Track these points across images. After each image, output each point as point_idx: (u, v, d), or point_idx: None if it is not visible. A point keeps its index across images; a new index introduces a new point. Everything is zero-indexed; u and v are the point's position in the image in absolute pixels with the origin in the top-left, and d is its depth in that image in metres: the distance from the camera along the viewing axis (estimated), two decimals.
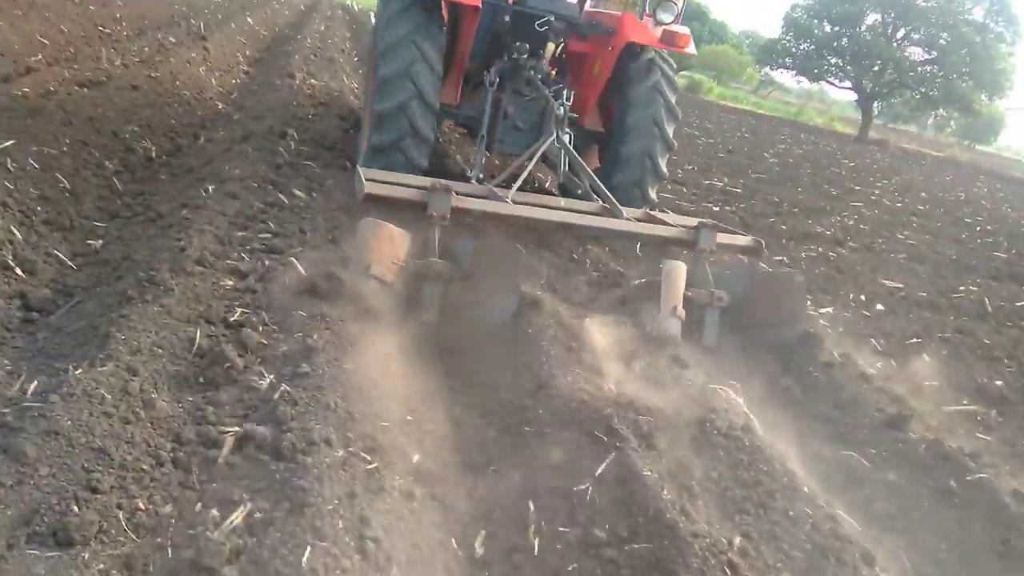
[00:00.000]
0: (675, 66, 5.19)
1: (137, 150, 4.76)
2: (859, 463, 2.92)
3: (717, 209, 7.49)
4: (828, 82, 47.11)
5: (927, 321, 5.47)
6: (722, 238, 4.16)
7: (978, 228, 11.06)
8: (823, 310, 4.93)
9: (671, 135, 5.09)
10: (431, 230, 3.42)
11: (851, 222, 8.97)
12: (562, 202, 4.48)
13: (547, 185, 5.83)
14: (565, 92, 4.39)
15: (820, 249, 6.99)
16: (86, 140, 4.37)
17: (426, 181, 3.80)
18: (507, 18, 4.88)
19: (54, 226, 3.41)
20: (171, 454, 1.90)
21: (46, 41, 7.23)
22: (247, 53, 10.41)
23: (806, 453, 2.91)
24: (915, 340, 4.90)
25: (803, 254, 6.55)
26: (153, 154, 4.89)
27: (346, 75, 9.44)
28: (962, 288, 6.69)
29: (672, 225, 4.32)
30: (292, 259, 3.14)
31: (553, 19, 4.91)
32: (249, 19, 13.47)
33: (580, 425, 2.44)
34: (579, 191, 4.63)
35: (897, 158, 29.60)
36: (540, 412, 2.56)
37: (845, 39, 41.72)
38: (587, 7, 5.48)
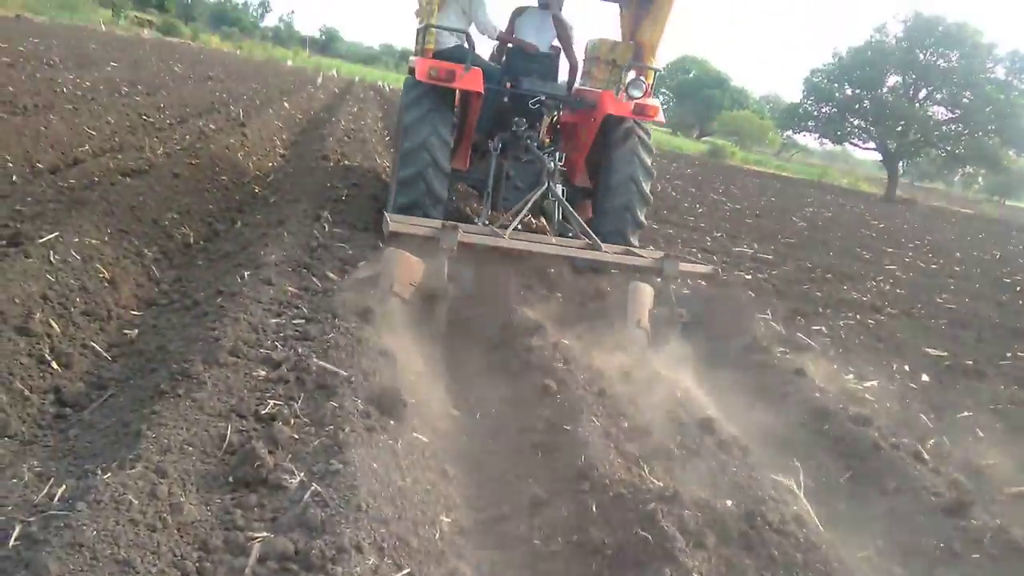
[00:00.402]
0: (650, 132, 6.00)
1: (176, 237, 4.88)
2: (921, 554, 2.74)
3: (749, 277, 7.40)
4: (852, 143, 47.33)
5: (977, 391, 5.24)
6: (684, 267, 4.99)
7: (1018, 288, 10.76)
8: (867, 383, 4.75)
9: (648, 191, 5.87)
10: (441, 260, 4.17)
11: (887, 287, 8.78)
12: (552, 239, 5.35)
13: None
14: (557, 155, 5.40)
15: (858, 317, 6.82)
16: (127, 229, 4.49)
17: (438, 222, 4.62)
18: (506, 99, 5.92)
19: (92, 317, 3.46)
20: (197, 564, 1.83)
21: (93, 132, 7.59)
22: (284, 137, 10.80)
23: (862, 543, 2.75)
24: (966, 413, 4.69)
25: (841, 323, 6.39)
26: (191, 240, 5.01)
27: (378, 155, 9.69)
28: (1009, 354, 6.44)
29: (643, 256, 5.11)
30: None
31: (545, 98, 5.84)
32: (286, 104, 14.04)
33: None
34: (570, 233, 5.52)
35: (927, 217, 29.27)
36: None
37: (867, 101, 42.02)
38: (576, 86, 6.44)
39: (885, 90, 40.79)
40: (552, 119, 6.33)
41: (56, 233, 3.88)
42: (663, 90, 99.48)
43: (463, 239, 4.30)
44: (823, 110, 43.54)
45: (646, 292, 4.54)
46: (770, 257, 8.90)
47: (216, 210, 5.93)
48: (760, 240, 10.31)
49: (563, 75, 6.32)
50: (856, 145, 46.82)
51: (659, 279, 4.73)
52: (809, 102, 44.10)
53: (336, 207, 6.14)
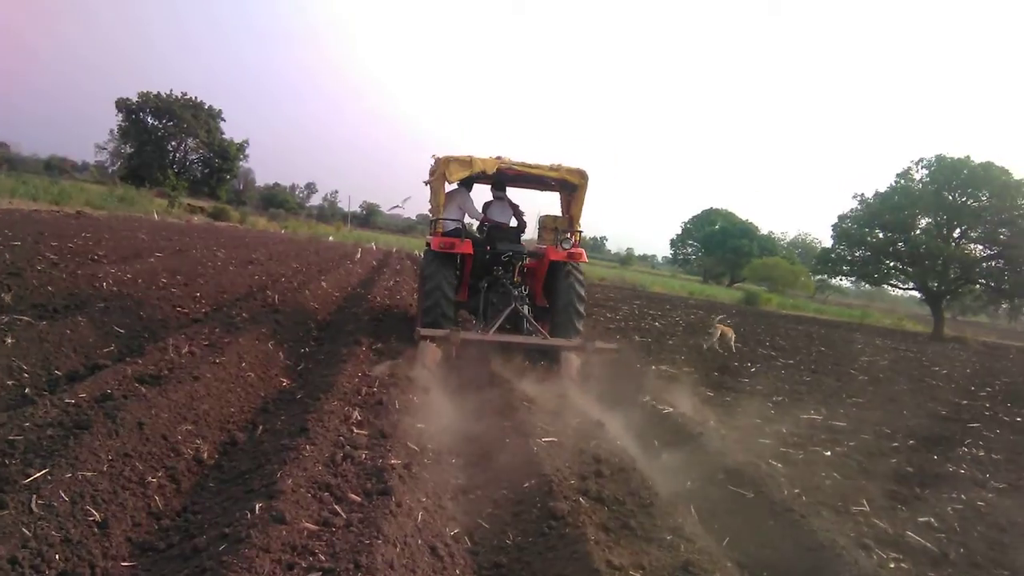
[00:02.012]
0: (582, 269, 9.06)
1: (186, 454, 4.38)
2: None
3: (829, 454, 6.56)
4: (891, 285, 46.73)
5: None
6: (599, 345, 8.22)
7: None
8: None
9: (582, 309, 8.96)
10: (451, 349, 7.70)
11: (981, 452, 7.80)
12: (518, 337, 8.43)
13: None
14: (523, 288, 8.90)
15: (964, 497, 5.88)
16: (131, 451, 4.01)
17: (447, 330, 7.81)
18: (487, 256, 9.15)
19: None
20: None
21: (122, 331, 7.40)
22: (318, 319, 10.62)
23: None
24: None
25: (948, 508, 5.47)
26: (205, 455, 4.50)
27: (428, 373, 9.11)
28: None
29: (573, 343, 8.13)
30: None
31: (512, 254, 8.94)
32: (324, 284, 14.10)
33: None
34: (532, 333, 8.58)
35: (985, 355, 27.89)
36: None
37: (901, 243, 41.86)
38: (532, 247, 9.73)
39: (918, 232, 40.66)
40: (519, 266, 9.06)
41: (46, 470, 3.41)
42: (691, 242, 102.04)
43: (463, 337, 7.80)
44: (856, 254, 43.42)
45: (573, 359, 8.02)
46: (843, 424, 8.05)
47: (237, 414, 5.48)
48: (825, 403, 9.48)
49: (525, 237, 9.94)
50: (895, 286, 46.21)
51: (584, 353, 8.07)
52: (841, 247, 44.12)
53: (366, 403, 5.66)
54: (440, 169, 8.70)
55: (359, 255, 27.03)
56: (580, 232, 9.21)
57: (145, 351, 6.32)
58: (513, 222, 9.66)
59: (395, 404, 5.59)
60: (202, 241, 22.02)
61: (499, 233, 9.38)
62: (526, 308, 8.63)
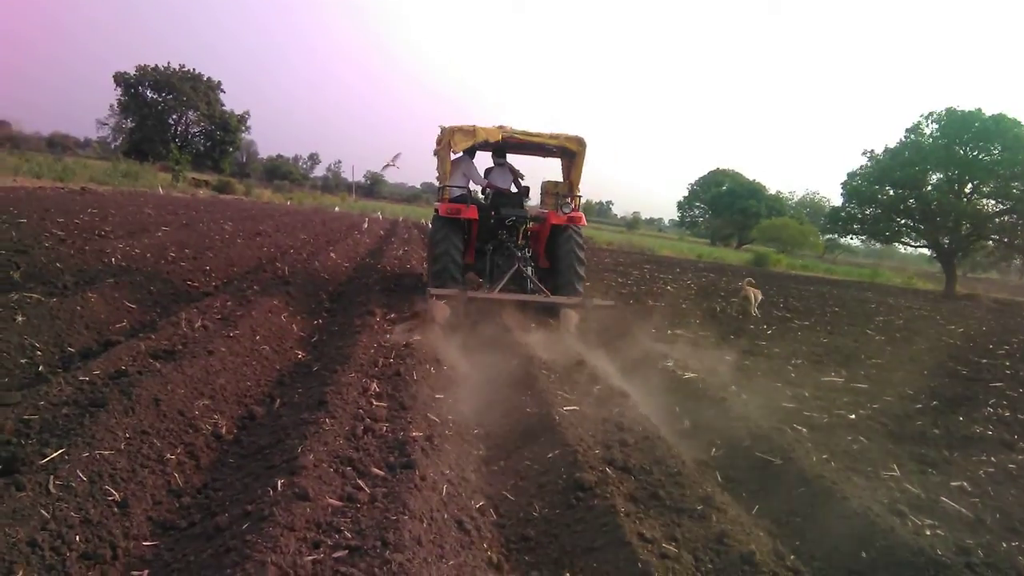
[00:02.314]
0: (581, 231, 9.46)
1: (204, 429, 4.30)
2: None
3: (853, 417, 6.45)
4: (903, 243, 46.26)
5: None
6: (597, 302, 9.07)
7: None
8: None
9: (582, 270, 9.34)
10: (458, 307, 8.24)
11: (1007, 412, 7.67)
12: (521, 294, 8.96)
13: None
14: (527, 250, 9.33)
15: (994, 459, 5.77)
16: (149, 428, 3.94)
17: (456, 289, 8.43)
18: (492, 221, 9.55)
19: (92, 560, 2.82)
20: None
21: (133, 306, 7.32)
22: (329, 289, 10.52)
23: None
24: None
25: (980, 471, 5.36)
26: (223, 430, 4.43)
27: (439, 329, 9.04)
28: None
29: (572, 300, 8.82)
30: None
31: (515, 218, 9.41)
32: (332, 254, 14.00)
33: None
34: (536, 292, 9.01)
35: (996, 312, 27.68)
36: None
37: (912, 200, 41.26)
38: (535, 212, 10.24)
39: (929, 188, 40.03)
40: (523, 229, 9.60)
41: (63, 450, 3.34)
42: (698, 204, 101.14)
43: (470, 295, 8.41)
44: (867, 212, 42.85)
45: (572, 314, 8.72)
46: (864, 386, 7.93)
47: (254, 387, 5.40)
48: (845, 364, 9.36)
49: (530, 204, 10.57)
50: (907, 244, 45.71)
51: (583, 309, 8.85)
52: (851, 205, 43.50)
53: (384, 374, 5.57)
54: (446, 138, 9.12)
55: (366, 225, 26.87)
56: (580, 197, 9.72)
57: (158, 326, 6.24)
58: (514, 188, 10.20)
59: (413, 375, 5.50)
60: (208, 214, 21.88)
61: (503, 199, 9.85)
62: (529, 269, 9.16)
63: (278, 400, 5.13)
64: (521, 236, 9.53)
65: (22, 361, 5.18)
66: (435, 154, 9.72)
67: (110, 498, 3.22)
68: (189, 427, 4.24)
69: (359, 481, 3.49)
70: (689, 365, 7.61)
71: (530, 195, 10.43)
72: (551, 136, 9.32)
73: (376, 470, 3.65)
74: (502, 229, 9.42)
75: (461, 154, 9.83)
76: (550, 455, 4.32)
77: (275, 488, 3.28)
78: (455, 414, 5.16)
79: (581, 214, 9.47)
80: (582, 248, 9.33)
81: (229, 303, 7.61)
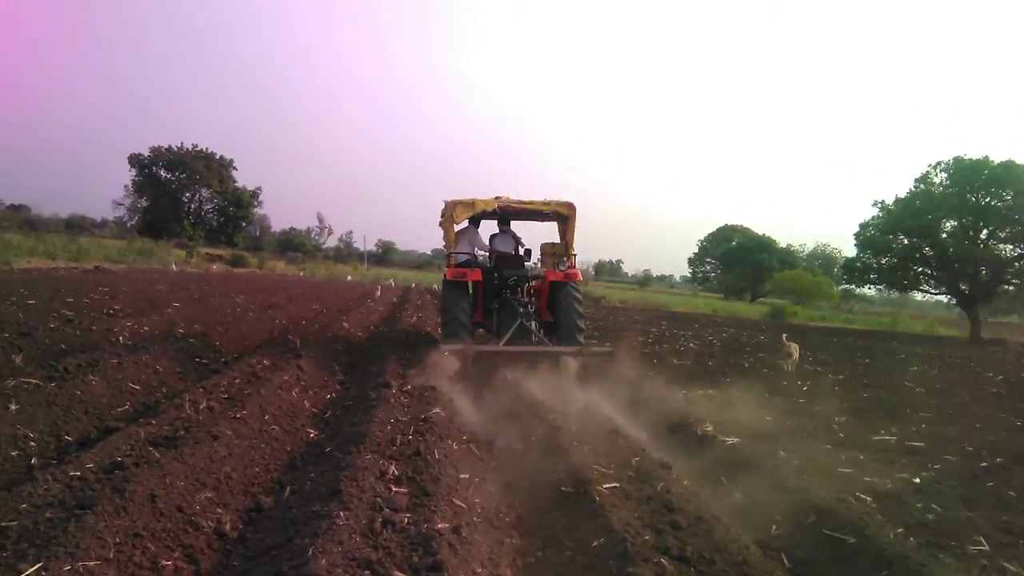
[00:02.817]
0: (579, 287, 10.27)
1: (206, 527, 3.84)
2: None
3: (917, 480, 5.88)
4: (922, 290, 45.59)
5: None
6: (594, 349, 9.83)
7: None
8: None
9: (581, 323, 10.06)
10: (467, 359, 8.91)
11: None
12: (523, 345, 9.64)
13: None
14: (530, 306, 10.29)
15: None
16: (141, 531, 3.49)
17: (464, 343, 9.19)
18: (496, 281, 10.41)
19: None
20: None
21: (137, 387, 6.94)
22: (342, 361, 10.13)
23: None
24: None
25: None
26: (227, 527, 3.96)
27: (448, 379, 8.72)
28: None
29: (571, 349, 9.48)
30: None
31: (517, 278, 10.36)
32: (346, 324, 13.66)
33: None
34: (539, 343, 9.77)
35: None
36: None
37: (927, 248, 40.86)
38: (535, 271, 11.16)
39: (944, 235, 39.61)
40: (525, 287, 10.63)
41: (39, 564, 2.89)
42: (708, 260, 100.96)
43: (477, 349, 9.18)
44: (882, 262, 42.35)
45: (571, 361, 9.54)
46: (920, 444, 7.34)
47: (262, 473, 4.94)
48: (892, 420, 8.76)
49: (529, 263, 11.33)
50: (926, 291, 44.97)
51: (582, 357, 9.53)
52: (866, 256, 43.07)
53: (402, 452, 5.11)
54: (448, 211, 10.24)
55: (378, 293, 26.64)
56: (574, 255, 10.67)
57: (160, 409, 5.84)
58: (520, 250, 11.22)
59: (434, 453, 5.02)
60: (221, 289, 21.75)
61: (505, 261, 10.79)
62: (533, 323, 10.09)
63: (288, 489, 4.66)
64: (524, 294, 10.55)
65: (13, 453, 4.78)
66: (440, 225, 10.59)
67: None
68: (189, 525, 3.78)
69: None
70: (728, 428, 7.09)
71: (531, 256, 11.28)
72: (543, 203, 10.45)
73: (399, 574, 3.17)
74: (506, 289, 10.33)
75: (466, 223, 10.83)
76: (595, 544, 3.81)
77: None
78: (482, 496, 4.67)
79: (577, 271, 10.43)
80: (580, 302, 10.19)
81: (237, 380, 7.22)
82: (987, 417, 9.63)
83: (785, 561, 4.11)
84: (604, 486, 4.60)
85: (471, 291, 10.30)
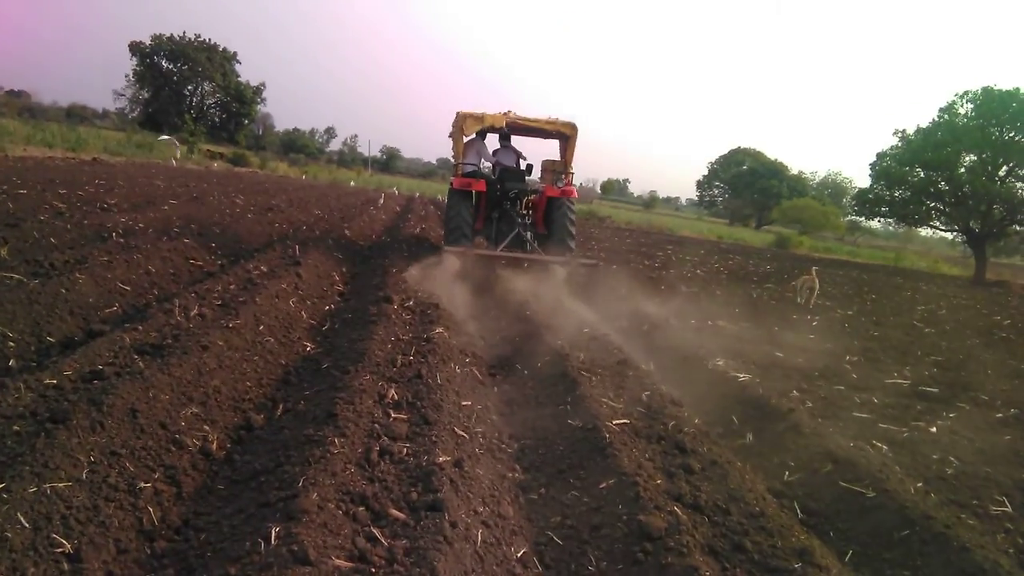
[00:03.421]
0: (573, 203, 10.99)
1: (190, 446, 3.61)
2: None
3: (934, 430, 5.67)
4: (932, 227, 44.94)
5: None
6: (581, 260, 10.61)
7: None
8: None
9: (573, 232, 10.90)
10: (468, 261, 9.61)
11: None
12: (519, 253, 10.47)
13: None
14: (528, 217, 10.96)
15: None
16: (121, 448, 3.25)
17: (464, 247, 9.95)
18: (498, 192, 10.94)
19: None
20: None
21: (127, 288, 6.64)
22: (343, 270, 9.82)
23: None
24: None
25: None
26: (214, 446, 3.73)
27: (453, 288, 8.51)
28: None
29: (561, 258, 10.32)
30: None
31: (517, 191, 10.92)
32: (347, 231, 13.28)
33: None
34: (533, 252, 10.58)
35: None
36: None
37: (943, 183, 39.89)
38: (535, 186, 11.53)
39: (962, 170, 38.57)
40: (524, 200, 11.23)
41: (2, 484, 2.65)
42: (717, 183, 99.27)
43: (476, 252, 9.98)
44: (896, 194, 41.44)
45: (559, 271, 10.05)
46: (934, 390, 7.12)
47: (254, 387, 4.70)
48: (903, 361, 8.55)
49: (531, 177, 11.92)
50: (936, 228, 44.29)
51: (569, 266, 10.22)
52: (880, 187, 42.08)
53: (403, 374, 4.86)
54: (458, 123, 10.75)
55: (382, 201, 26.11)
56: (572, 173, 11.28)
57: (149, 314, 5.55)
58: (522, 165, 11.72)
59: (436, 377, 4.77)
60: (220, 188, 21.22)
61: (507, 174, 11.18)
62: (528, 233, 10.77)
63: (281, 406, 4.43)
64: (523, 206, 11.22)
65: None
66: (450, 136, 11.24)
67: (58, 550, 2.53)
68: (172, 443, 3.55)
69: (374, 530, 2.78)
70: (739, 364, 6.85)
71: (532, 172, 11.89)
72: (548, 121, 10.93)
73: (396, 512, 2.94)
74: (506, 200, 10.99)
75: (473, 136, 11.37)
76: (603, 486, 3.59)
77: (268, 540, 2.58)
78: (484, 424, 4.45)
79: (573, 188, 11.12)
80: (573, 215, 11.00)
81: (232, 286, 6.91)
82: (998, 364, 9.41)
83: (799, 511, 3.92)
84: (614, 422, 4.36)
85: (474, 200, 10.85)
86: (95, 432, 3.24)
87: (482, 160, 11.60)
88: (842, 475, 4.14)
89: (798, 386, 6.45)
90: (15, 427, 3.21)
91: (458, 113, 10.69)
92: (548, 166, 11.86)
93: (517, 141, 11.93)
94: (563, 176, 11.16)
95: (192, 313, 5.58)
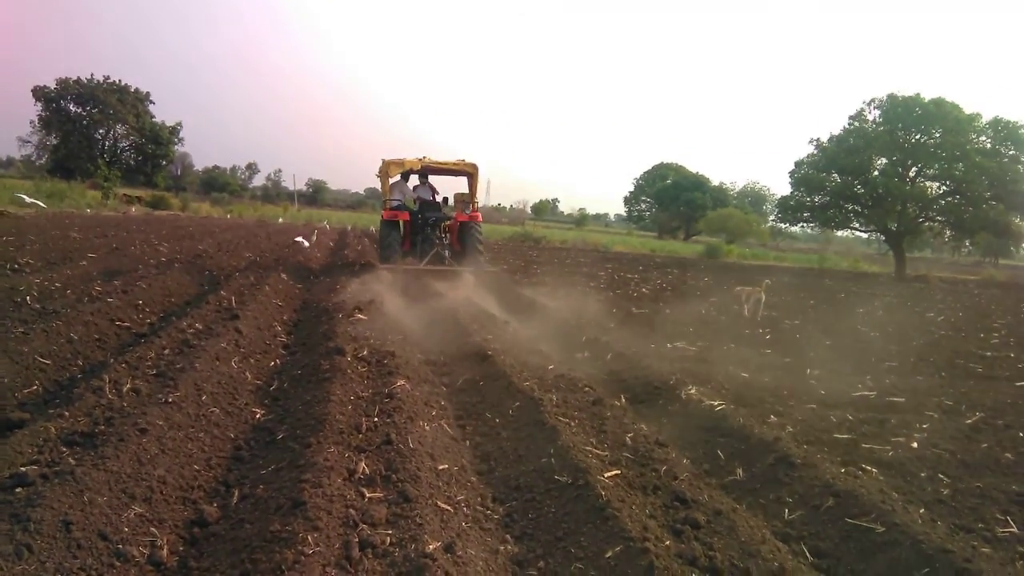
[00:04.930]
0: (480, 225, 13.92)
1: (136, 557, 3.11)
2: None
3: (915, 444, 5.61)
4: (851, 228, 47.01)
5: None
6: (488, 268, 13.76)
7: None
8: None
9: (481, 247, 13.75)
10: (397, 275, 12.22)
11: None
12: (440, 267, 13.10)
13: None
14: (445, 238, 13.76)
15: None
16: (54, 568, 2.74)
17: (392, 265, 12.92)
18: (419, 220, 13.65)
19: None
20: None
21: (48, 362, 5.98)
22: (284, 318, 9.27)
23: None
24: None
25: None
26: (163, 552, 3.24)
27: (412, 341, 8.07)
28: None
29: (469, 269, 12.97)
30: None
31: (435, 219, 13.72)
32: (283, 275, 12.65)
33: None
34: (449, 264, 13.32)
35: (954, 294, 28.08)
36: None
37: (859, 186, 41.81)
38: (449, 213, 14.19)
39: (875, 173, 40.50)
40: (441, 226, 13.86)
41: None
42: (644, 198, 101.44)
43: (404, 267, 12.68)
44: (816, 200, 43.12)
45: (469, 278, 12.55)
46: (901, 400, 7.13)
47: (203, 471, 4.20)
48: (862, 370, 8.61)
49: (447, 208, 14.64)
50: (857, 230, 46.26)
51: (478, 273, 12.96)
52: (800, 193, 43.70)
53: (369, 440, 4.45)
54: (384, 168, 13.42)
55: (315, 237, 25.33)
56: (477, 202, 14.22)
57: (75, 393, 4.96)
58: (438, 198, 14.50)
59: (407, 441, 4.38)
60: (142, 235, 20.13)
61: (426, 206, 14.15)
62: (446, 252, 13.52)
63: (236, 492, 3.95)
64: (440, 231, 13.88)
65: None
66: (377, 176, 13.80)
67: None
68: (115, 557, 3.06)
69: None
70: (709, 390, 6.69)
71: (448, 203, 14.51)
72: (454, 163, 13.86)
73: None
74: (427, 226, 13.72)
75: (398, 177, 14.15)
76: (608, 555, 3.28)
77: None
78: (465, 489, 4.09)
79: (479, 214, 14.13)
80: (480, 236, 13.83)
81: (167, 351, 6.33)
82: (947, 365, 9.64)
83: (808, 554, 3.70)
84: (605, 475, 4.07)
85: (401, 228, 13.74)
86: (21, 559, 2.74)
87: (405, 196, 14.29)
88: (846, 510, 3.97)
89: (773, 409, 6.33)
90: None
91: (383, 160, 13.37)
92: (459, 197, 14.51)
93: (434, 179, 14.69)
94: (470, 205, 13.97)
95: (125, 388, 5.02)
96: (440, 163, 13.62)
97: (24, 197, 29.65)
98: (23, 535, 2.86)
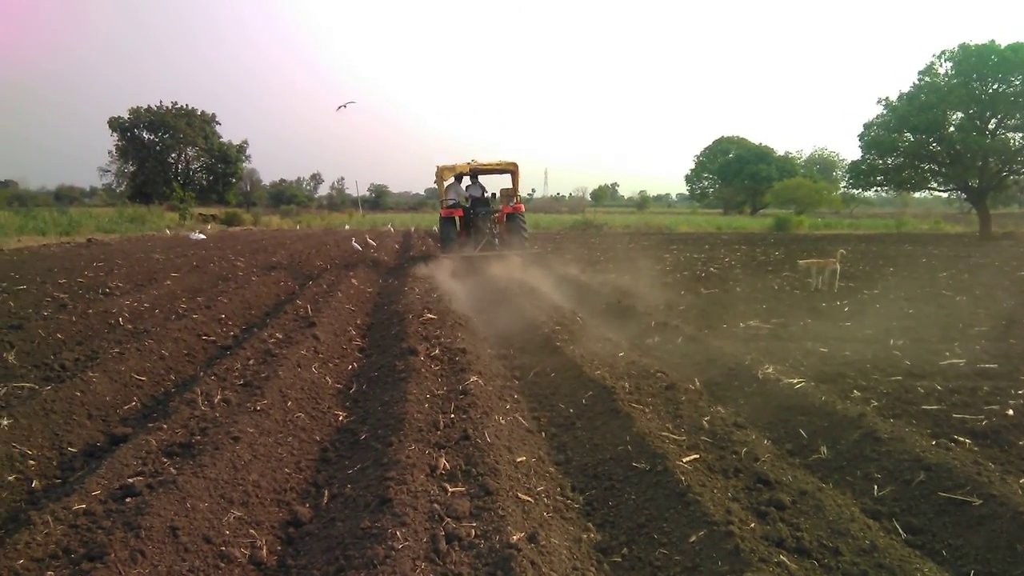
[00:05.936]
0: (524, 215, 16.50)
1: (238, 557, 3.29)
2: None
3: (1010, 412, 5.34)
4: (930, 189, 44.68)
5: None
6: (533, 250, 16.41)
7: None
8: None
9: (526, 234, 16.24)
10: (457, 261, 14.99)
11: None
12: (490, 251, 15.50)
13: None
14: (496, 229, 16.23)
15: None
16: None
17: (453, 253, 15.46)
18: (472, 214, 16.26)
19: None
20: None
21: (143, 379, 6.37)
22: (357, 322, 9.55)
23: None
24: None
25: None
26: (263, 552, 3.41)
27: (480, 339, 8.20)
28: None
29: (518, 252, 15.34)
30: None
31: (485, 212, 16.21)
32: (354, 280, 13.01)
33: None
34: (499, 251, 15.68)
35: None
36: None
37: (934, 144, 39.64)
38: (497, 207, 16.62)
39: (951, 129, 38.33)
40: (492, 218, 16.10)
41: None
42: (706, 175, 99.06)
43: (462, 255, 15.14)
44: (888, 162, 41.18)
45: (516, 259, 14.79)
46: (993, 366, 6.79)
47: (293, 474, 4.40)
48: (949, 337, 8.22)
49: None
50: (935, 190, 43.96)
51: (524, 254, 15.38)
52: (871, 156, 41.80)
53: (449, 443, 4.56)
54: (439, 173, 15.88)
55: (372, 240, 25.86)
56: (519, 195, 16.68)
57: (171, 407, 5.26)
58: (486, 194, 16.60)
59: (484, 435, 4.47)
60: (219, 251, 21.06)
61: (477, 202, 16.39)
62: (496, 240, 15.85)
63: (326, 492, 4.12)
64: (491, 222, 16.05)
65: (11, 478, 4.24)
66: (435, 183, 16.38)
67: None
68: (220, 559, 3.25)
69: None
70: (787, 368, 6.53)
71: (497, 197, 16.79)
72: (497, 163, 16.09)
73: None
74: (478, 219, 15.99)
75: (452, 179, 16.51)
76: (692, 539, 3.27)
77: None
78: (545, 480, 4.14)
79: (522, 205, 16.59)
80: (524, 223, 16.10)
81: (251, 361, 6.63)
82: None
83: (900, 531, 3.59)
84: (683, 460, 4.05)
85: (456, 223, 15.93)
86: (136, 563, 2.95)
87: (459, 195, 16.63)
88: (938, 483, 3.82)
89: (856, 384, 6.13)
90: (48, 572, 2.91)
91: (437, 166, 15.87)
92: (504, 192, 16.95)
93: (483, 178, 16.81)
94: (514, 198, 16.56)
95: (216, 400, 5.30)
96: (485, 164, 15.91)
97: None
98: (136, 541, 3.07)
